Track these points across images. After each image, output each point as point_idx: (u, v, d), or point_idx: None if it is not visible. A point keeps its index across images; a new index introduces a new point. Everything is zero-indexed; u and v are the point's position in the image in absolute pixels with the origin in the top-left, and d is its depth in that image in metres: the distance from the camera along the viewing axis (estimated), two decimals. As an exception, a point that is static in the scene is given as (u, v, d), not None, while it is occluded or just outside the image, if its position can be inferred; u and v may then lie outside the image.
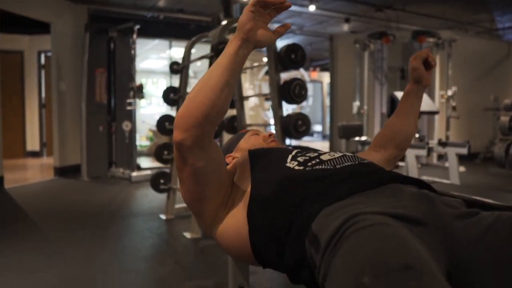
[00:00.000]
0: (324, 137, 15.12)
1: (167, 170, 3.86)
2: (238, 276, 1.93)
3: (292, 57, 3.05)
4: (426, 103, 4.98)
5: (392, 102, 4.87)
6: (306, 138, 11.24)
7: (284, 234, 0.93)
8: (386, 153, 1.35)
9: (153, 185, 3.83)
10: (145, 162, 7.48)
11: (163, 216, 3.73)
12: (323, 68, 14.11)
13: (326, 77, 13.85)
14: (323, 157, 1.07)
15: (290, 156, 1.12)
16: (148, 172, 5.78)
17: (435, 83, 7.32)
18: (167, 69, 4.60)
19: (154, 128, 9.73)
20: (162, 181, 3.83)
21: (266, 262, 1.05)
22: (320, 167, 1.02)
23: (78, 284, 2.22)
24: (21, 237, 3.09)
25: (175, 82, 4.01)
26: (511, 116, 6.17)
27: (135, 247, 2.93)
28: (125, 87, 5.92)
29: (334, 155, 1.08)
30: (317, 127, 16.27)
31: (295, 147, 1.26)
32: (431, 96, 7.25)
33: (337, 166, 1.02)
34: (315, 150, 1.20)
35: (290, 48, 3.05)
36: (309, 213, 0.88)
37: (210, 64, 3.26)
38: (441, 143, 4.66)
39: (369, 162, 1.08)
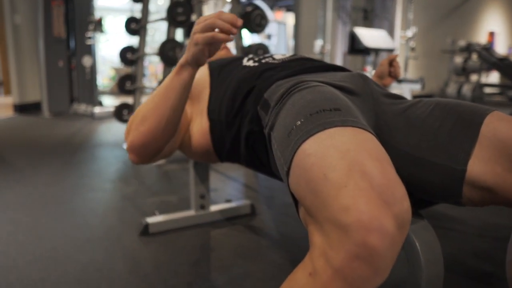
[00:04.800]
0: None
1: (130, 102, 3.89)
2: (200, 187, 2.09)
3: (254, -13, 3.08)
4: (384, 40, 5.13)
5: (353, 39, 4.99)
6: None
7: (240, 118, 1.08)
8: None
9: (117, 116, 3.88)
10: (108, 101, 7.40)
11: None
12: (288, 9, 13.94)
13: (290, 19, 13.72)
14: (276, 56, 1.22)
15: (245, 59, 1.27)
16: (111, 109, 5.75)
17: (397, 24, 7.45)
18: (127, 6, 4.46)
19: (116, 66, 9.55)
20: (125, 112, 3.88)
21: (224, 152, 1.20)
22: (273, 61, 1.17)
23: (46, 201, 2.32)
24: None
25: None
26: (465, 57, 6.45)
27: (101, 170, 3.03)
28: (84, 21, 5.74)
29: (285, 55, 1.23)
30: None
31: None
32: (392, 36, 7.41)
33: (286, 60, 1.17)
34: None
35: (252, -23, 3.06)
36: (262, 88, 1.03)
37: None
38: (397, 80, 4.87)
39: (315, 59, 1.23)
